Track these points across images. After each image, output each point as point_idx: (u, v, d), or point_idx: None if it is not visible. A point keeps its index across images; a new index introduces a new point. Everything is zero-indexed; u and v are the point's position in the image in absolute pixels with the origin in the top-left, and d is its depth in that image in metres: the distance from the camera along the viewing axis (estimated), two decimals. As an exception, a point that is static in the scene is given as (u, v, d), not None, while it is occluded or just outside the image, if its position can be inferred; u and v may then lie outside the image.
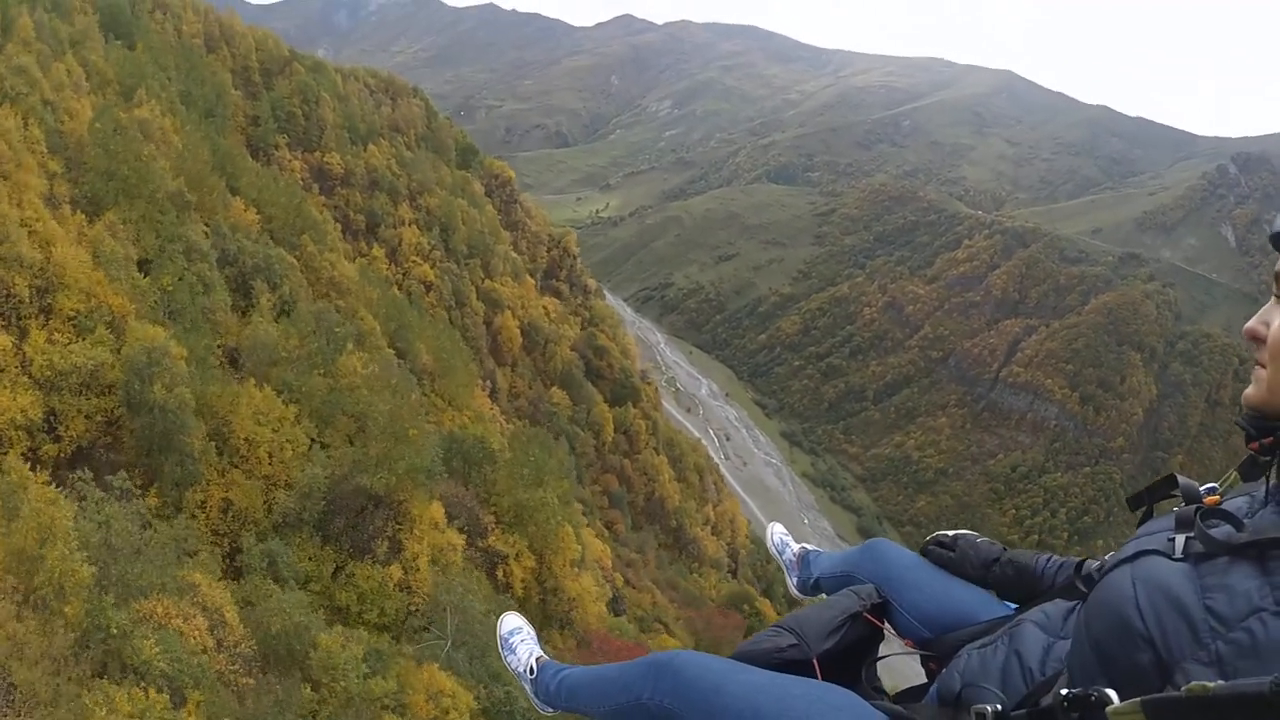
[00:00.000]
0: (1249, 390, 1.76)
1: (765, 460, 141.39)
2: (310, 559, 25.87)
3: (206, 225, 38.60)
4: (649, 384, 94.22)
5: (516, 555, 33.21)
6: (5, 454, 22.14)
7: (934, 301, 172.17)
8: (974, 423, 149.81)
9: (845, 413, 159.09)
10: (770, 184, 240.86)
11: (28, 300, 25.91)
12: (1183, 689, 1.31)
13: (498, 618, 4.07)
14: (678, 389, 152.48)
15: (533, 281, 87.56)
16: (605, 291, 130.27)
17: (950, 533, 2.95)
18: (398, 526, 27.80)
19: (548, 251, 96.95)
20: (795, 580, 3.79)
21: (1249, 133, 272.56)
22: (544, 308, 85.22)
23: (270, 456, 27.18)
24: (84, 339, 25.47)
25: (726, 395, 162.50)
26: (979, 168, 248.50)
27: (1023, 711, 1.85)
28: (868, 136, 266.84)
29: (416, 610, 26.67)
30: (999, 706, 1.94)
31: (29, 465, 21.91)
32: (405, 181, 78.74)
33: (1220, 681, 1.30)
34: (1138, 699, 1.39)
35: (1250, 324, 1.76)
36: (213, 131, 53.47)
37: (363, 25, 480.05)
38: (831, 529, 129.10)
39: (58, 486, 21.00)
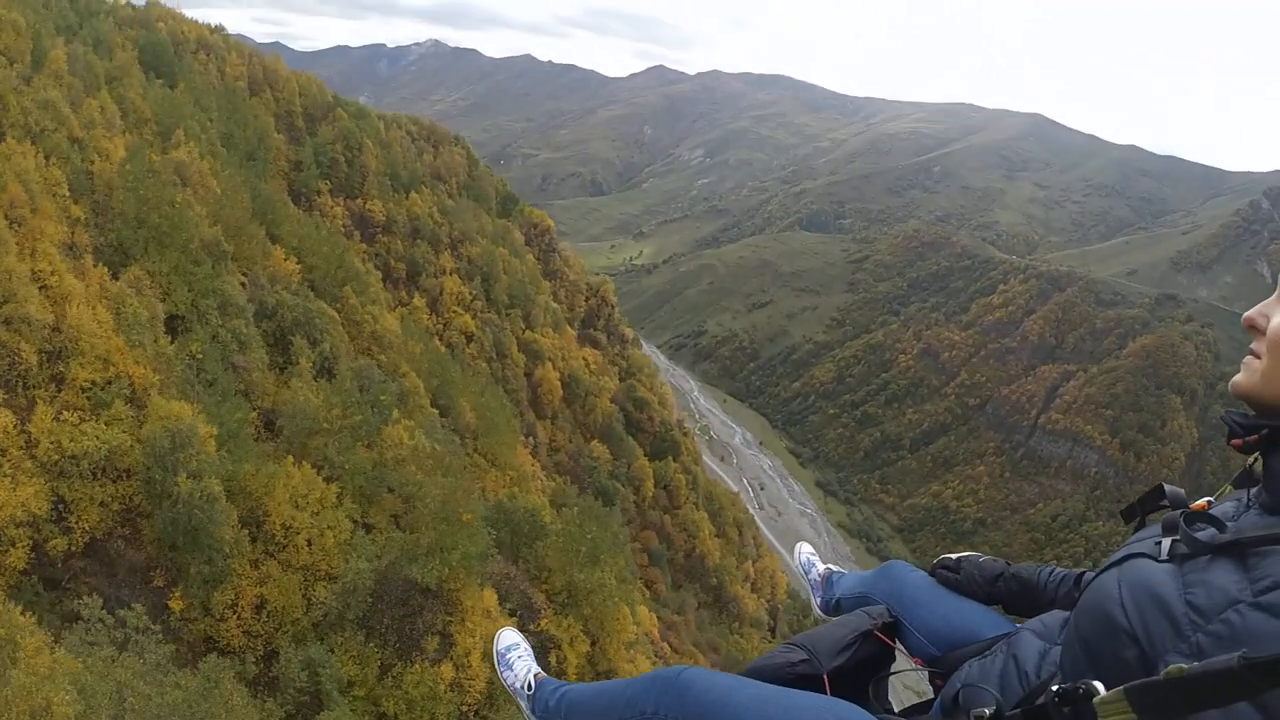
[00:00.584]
0: (1239, 377, 1.80)
1: (800, 510, 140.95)
2: (354, 659, 23.77)
3: (244, 276, 38.10)
4: (687, 435, 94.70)
5: (571, 641, 30.69)
6: (5, 553, 19.53)
7: (970, 348, 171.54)
8: (1013, 471, 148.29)
9: (881, 461, 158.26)
10: (803, 231, 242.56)
11: (36, 368, 22.56)
12: (1161, 673, 1.35)
13: (494, 634, 4.05)
14: (711, 437, 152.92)
15: (572, 332, 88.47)
16: (640, 340, 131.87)
17: (955, 555, 3.10)
18: (448, 619, 25.94)
19: (586, 300, 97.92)
20: (819, 600, 3.88)
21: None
22: (584, 359, 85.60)
23: (309, 544, 25.02)
24: (99, 416, 22.59)
25: (760, 444, 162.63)
26: (1010, 211, 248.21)
27: (1018, 711, 1.89)
28: (899, 183, 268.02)
29: (470, 712, 24.90)
30: (995, 707, 2.00)
31: (30, 575, 19.78)
32: (447, 230, 79.49)
33: (1195, 663, 1.34)
34: (1121, 687, 1.43)
35: (1250, 313, 1.82)
36: (253, 176, 53.09)
37: (402, 74, 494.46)
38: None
39: (61, 624, 18.83)
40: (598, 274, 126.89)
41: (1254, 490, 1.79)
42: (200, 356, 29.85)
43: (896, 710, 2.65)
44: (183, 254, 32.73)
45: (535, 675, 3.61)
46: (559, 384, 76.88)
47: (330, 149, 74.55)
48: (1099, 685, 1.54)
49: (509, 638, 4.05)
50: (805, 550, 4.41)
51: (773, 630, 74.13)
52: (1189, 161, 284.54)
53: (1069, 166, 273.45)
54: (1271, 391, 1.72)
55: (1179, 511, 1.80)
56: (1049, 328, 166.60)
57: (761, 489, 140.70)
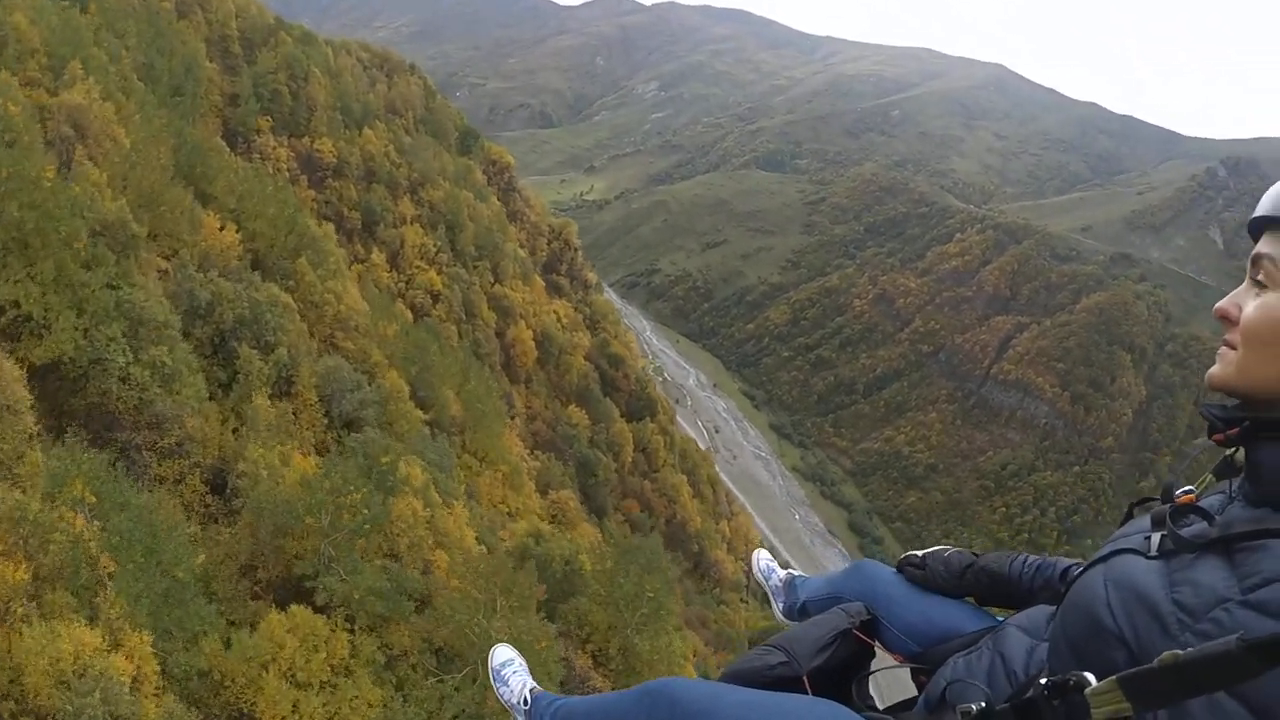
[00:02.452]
0: (1214, 369, 1.77)
1: (755, 453, 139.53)
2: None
3: (166, 263, 30.97)
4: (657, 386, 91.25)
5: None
6: None
7: (925, 295, 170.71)
8: (964, 419, 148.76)
9: (835, 405, 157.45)
10: (758, 170, 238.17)
11: None
12: (1155, 660, 1.36)
13: (489, 650, 3.97)
14: (665, 379, 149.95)
15: (541, 282, 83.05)
16: (602, 284, 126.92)
17: (920, 552, 2.94)
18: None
19: (548, 244, 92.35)
20: (782, 605, 3.71)
21: (1234, 135, 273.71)
22: (555, 313, 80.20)
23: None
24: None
25: (714, 386, 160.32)
26: (968, 160, 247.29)
27: (1007, 706, 1.86)
28: (857, 125, 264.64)
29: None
30: (984, 703, 1.93)
31: None
32: (405, 172, 71.91)
33: (1190, 648, 1.35)
34: (1114, 677, 1.43)
35: (1222, 304, 1.78)
36: (179, 117, 44.17)
37: (342, 0, 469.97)
38: (822, 524, 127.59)
39: None
40: (561, 217, 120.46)
41: (1237, 482, 1.78)
42: (78, 470, 18.82)
43: (880, 708, 2.63)
44: (65, 255, 23.12)
45: (531, 690, 3.60)
46: (533, 344, 71.86)
47: (272, 79, 65.40)
48: (1090, 676, 1.53)
49: (503, 654, 3.95)
50: (763, 558, 4.23)
51: (752, 591, 72.17)
52: (1147, 123, 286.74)
53: (1028, 119, 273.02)
54: (1247, 383, 1.70)
55: (1167, 505, 1.81)
56: (1004, 279, 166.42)
57: (717, 432, 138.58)
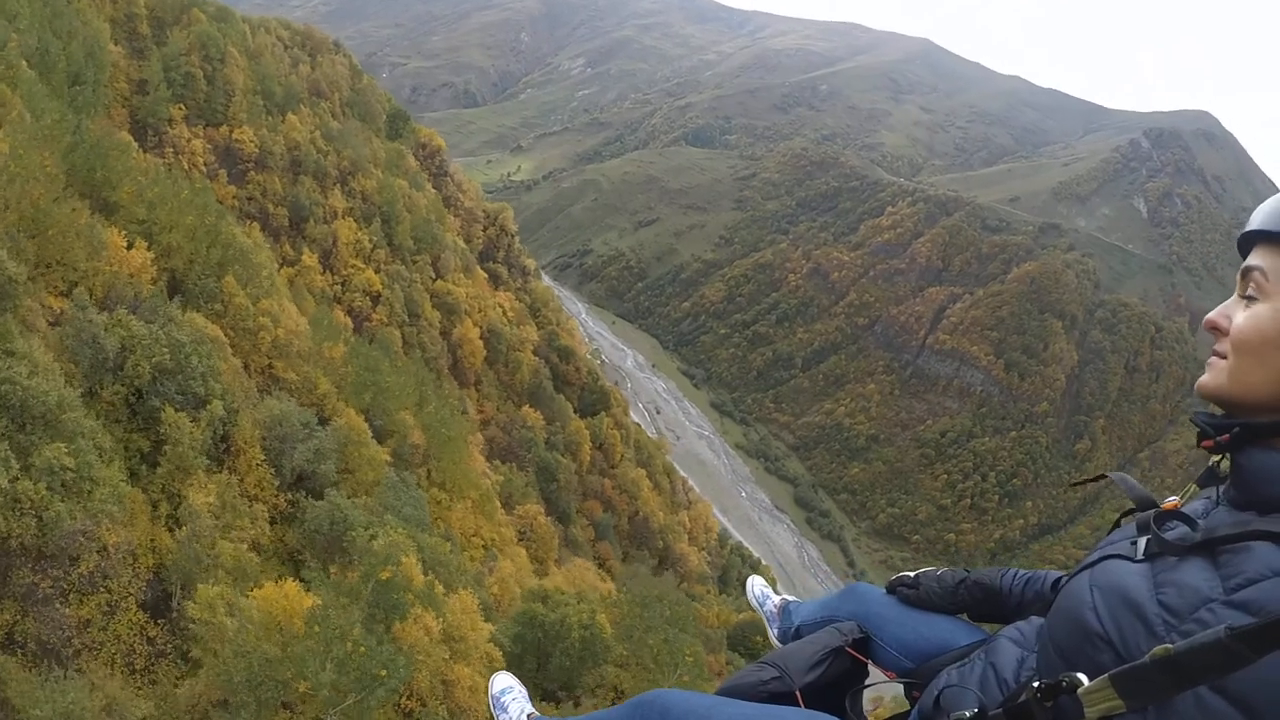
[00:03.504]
0: (1205, 378, 1.80)
1: (698, 433, 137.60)
2: None
3: (60, 302, 25.64)
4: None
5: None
6: None
7: (859, 268, 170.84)
8: (902, 389, 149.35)
9: (774, 381, 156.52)
10: (688, 146, 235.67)
11: None
12: (1147, 655, 1.38)
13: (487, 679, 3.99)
14: (603, 361, 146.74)
15: (484, 274, 78.11)
16: (540, 270, 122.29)
17: (912, 572, 2.95)
18: None
19: (484, 230, 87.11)
20: (776, 631, 3.69)
21: (1157, 107, 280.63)
22: (500, 306, 75.60)
23: None
24: None
25: (653, 366, 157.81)
26: (896, 134, 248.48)
27: (1000, 710, 1.89)
28: (785, 100, 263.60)
29: None
30: (977, 709, 1.98)
31: None
32: (334, 160, 66.30)
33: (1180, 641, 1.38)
34: (1107, 674, 1.46)
35: (1212, 315, 1.81)
36: (76, 110, 38.67)
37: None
38: (769, 500, 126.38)
39: None
40: (499, 203, 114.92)
41: (1222, 488, 1.81)
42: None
43: None
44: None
45: (529, 715, 3.65)
46: (481, 343, 67.20)
47: (185, 61, 59.10)
48: (1082, 676, 1.56)
49: (502, 681, 3.89)
50: (758, 584, 4.12)
51: (721, 581, 69.59)
52: (1071, 96, 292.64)
53: (955, 92, 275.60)
54: (1238, 391, 1.73)
55: (1151, 511, 1.85)
56: (936, 250, 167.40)
57: (658, 413, 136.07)
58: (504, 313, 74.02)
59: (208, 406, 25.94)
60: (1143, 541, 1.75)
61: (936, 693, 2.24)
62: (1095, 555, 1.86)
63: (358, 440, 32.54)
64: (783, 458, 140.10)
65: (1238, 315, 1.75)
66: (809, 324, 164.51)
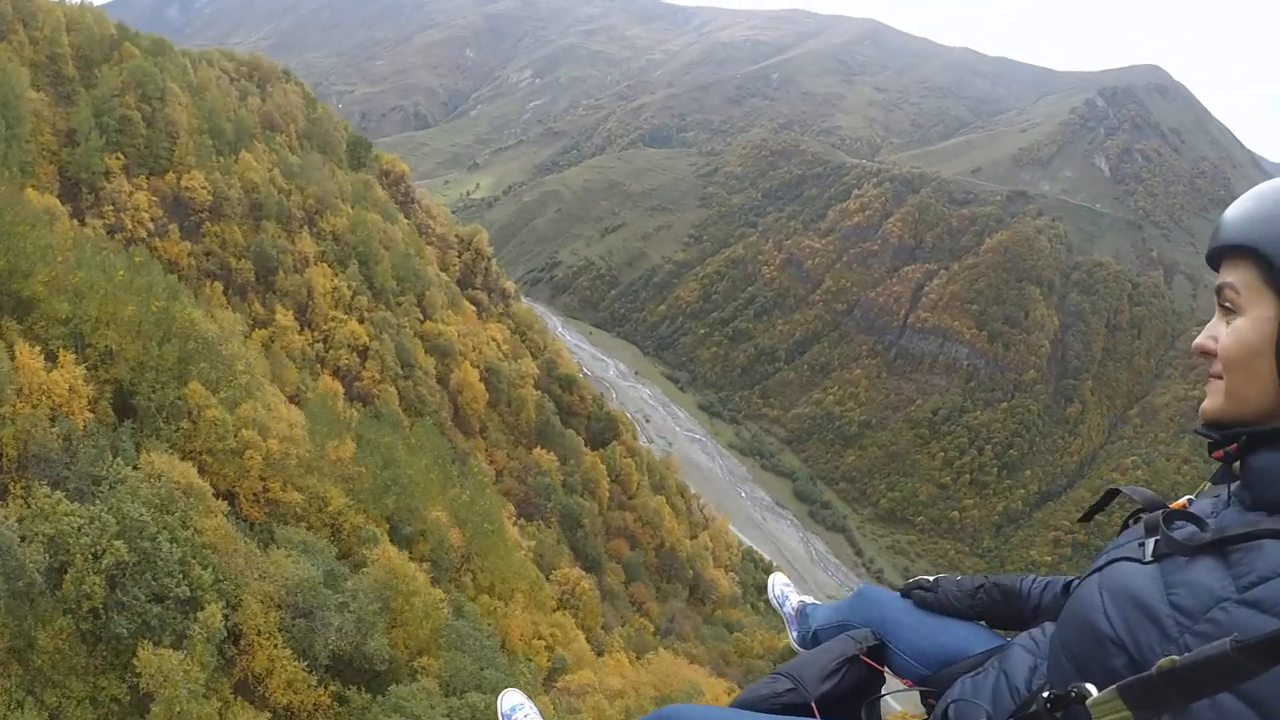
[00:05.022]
0: (1206, 403, 1.83)
1: (690, 437, 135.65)
2: None
3: None
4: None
5: None
6: None
7: (832, 254, 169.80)
8: (889, 371, 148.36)
9: (759, 376, 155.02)
10: (646, 148, 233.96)
11: None
12: (1153, 667, 1.37)
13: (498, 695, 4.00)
14: (585, 374, 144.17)
15: (471, 308, 73.72)
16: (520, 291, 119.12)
17: (930, 577, 2.93)
18: None
19: (459, 256, 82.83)
20: (795, 634, 3.74)
21: (1107, 65, 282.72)
22: (493, 340, 70.95)
23: None
24: None
25: (636, 374, 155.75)
26: (851, 116, 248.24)
27: None
28: (738, 92, 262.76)
29: None
30: (990, 712, 2.02)
31: None
32: (298, 200, 60.76)
33: (1188, 653, 1.37)
34: (1114, 685, 1.44)
35: (1199, 340, 1.84)
36: None
37: (196, 19, 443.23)
38: (769, 497, 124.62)
39: None
40: (471, 225, 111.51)
41: (1234, 487, 1.82)
42: None
43: None
44: None
45: None
46: (481, 385, 62.19)
47: (119, 104, 52.47)
48: (1091, 687, 1.55)
49: (513, 698, 3.99)
50: (779, 582, 4.20)
51: (751, 604, 67.09)
52: (1020, 62, 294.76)
53: (905, 69, 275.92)
54: (1238, 406, 1.75)
55: (1159, 512, 1.84)
56: (907, 229, 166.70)
57: (647, 421, 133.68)
58: (498, 346, 70.22)
59: (200, 613, 19.50)
60: (1150, 543, 1.75)
61: (945, 706, 2.25)
62: (1104, 559, 1.87)
63: (405, 588, 25.97)
64: (777, 453, 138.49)
65: (1221, 334, 1.77)
66: (788, 315, 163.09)
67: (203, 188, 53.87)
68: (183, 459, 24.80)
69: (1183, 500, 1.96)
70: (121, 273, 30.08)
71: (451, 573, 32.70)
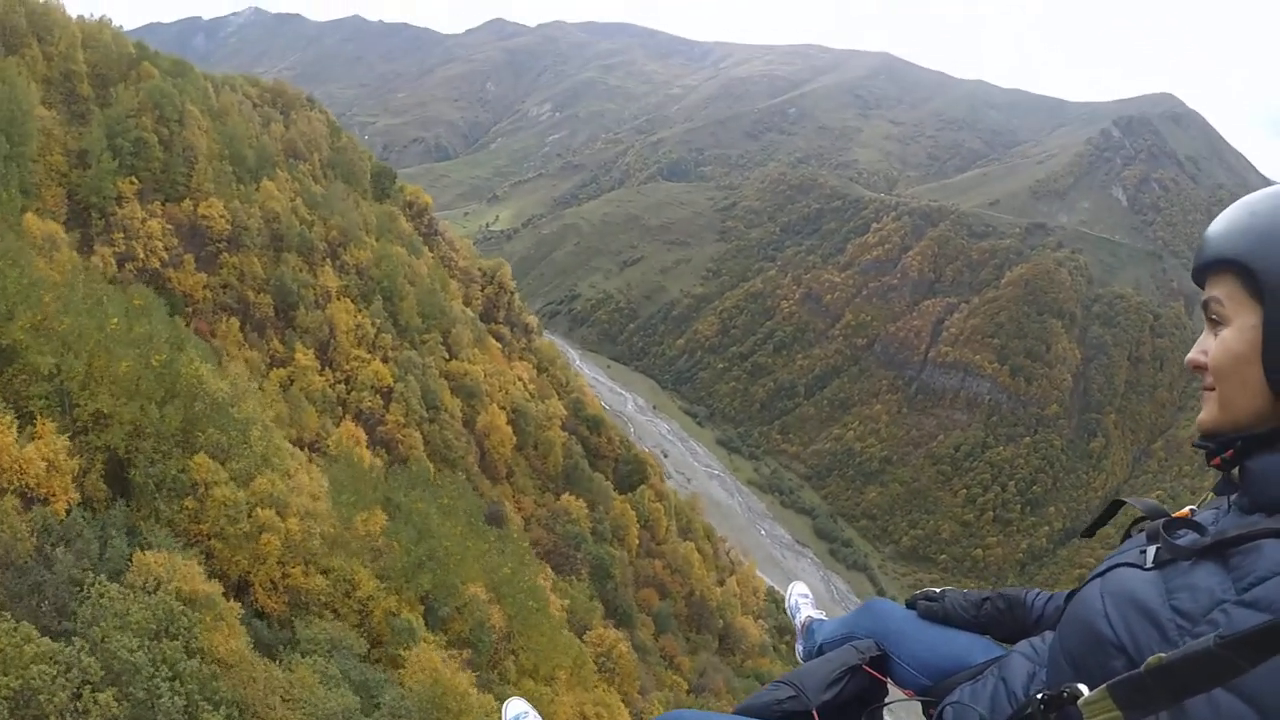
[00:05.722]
0: (1202, 415, 1.89)
1: (708, 473, 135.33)
2: None
3: None
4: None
5: None
6: None
7: (851, 288, 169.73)
8: (909, 406, 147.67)
9: (778, 411, 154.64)
10: (665, 182, 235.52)
11: None
12: (1142, 666, 1.38)
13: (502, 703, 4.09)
14: (604, 408, 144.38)
15: (497, 345, 72.50)
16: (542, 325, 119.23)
17: (937, 589, 2.97)
18: None
19: (482, 290, 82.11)
20: (801, 649, 3.80)
21: (1120, 95, 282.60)
22: (519, 379, 69.27)
23: None
24: None
25: (654, 408, 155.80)
26: (868, 149, 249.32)
27: None
28: (755, 126, 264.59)
29: None
30: (983, 715, 2.07)
31: None
32: (321, 231, 58.68)
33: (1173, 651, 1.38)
34: (1104, 684, 1.45)
35: (1190, 355, 1.91)
36: None
37: (221, 48, 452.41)
38: (789, 535, 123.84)
39: None
40: (494, 258, 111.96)
41: (1234, 496, 1.86)
42: None
43: None
44: None
45: None
46: (509, 428, 59.82)
47: (134, 124, 49.48)
48: (1082, 687, 1.58)
49: (517, 706, 3.99)
50: (798, 591, 4.27)
51: (777, 649, 66.38)
52: (1033, 94, 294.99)
53: (920, 102, 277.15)
54: (1231, 415, 1.80)
55: (1160, 520, 1.88)
56: (927, 263, 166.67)
57: (665, 456, 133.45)
58: (524, 386, 68.69)
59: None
60: (1152, 550, 1.77)
61: (942, 708, 2.28)
62: (1105, 564, 1.89)
63: (454, 706, 22.66)
64: (797, 489, 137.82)
65: (1210, 346, 1.83)
66: (807, 350, 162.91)
67: (221, 216, 51.46)
68: (187, 545, 22.00)
69: (1185, 509, 1.99)
70: (115, 321, 25.54)
71: (491, 655, 30.54)
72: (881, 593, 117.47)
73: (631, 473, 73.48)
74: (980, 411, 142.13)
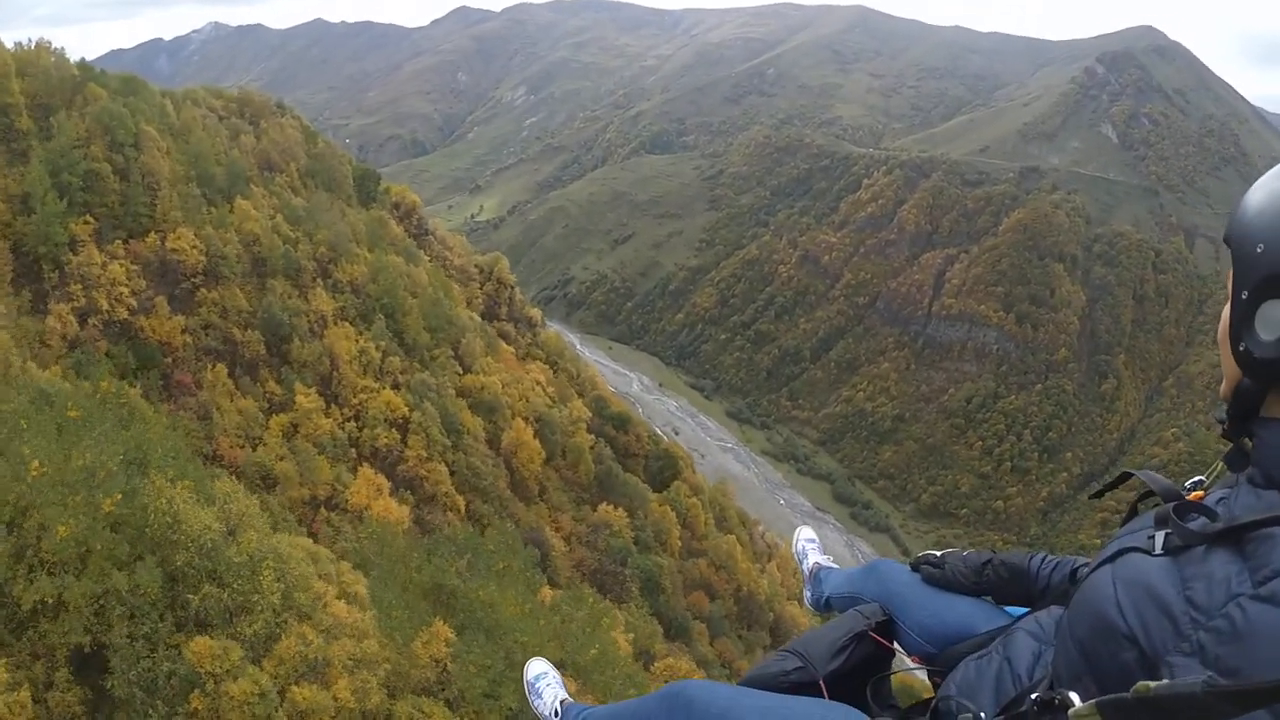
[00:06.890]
0: (1224, 386, 1.88)
1: (721, 447, 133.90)
2: None
3: None
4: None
5: None
6: None
7: (848, 247, 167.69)
8: (918, 361, 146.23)
9: (786, 377, 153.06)
10: (648, 155, 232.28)
11: None
12: (1130, 690, 1.36)
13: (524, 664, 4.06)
14: (611, 391, 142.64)
15: (509, 349, 68.51)
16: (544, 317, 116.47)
17: (938, 551, 2.98)
18: None
19: (480, 287, 78.72)
20: (809, 595, 3.80)
21: (1102, 31, 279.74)
22: (537, 383, 65.08)
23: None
24: None
25: (660, 386, 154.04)
26: (851, 104, 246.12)
27: (1001, 718, 1.95)
28: (735, 91, 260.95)
29: None
30: (981, 715, 2.07)
31: None
32: (308, 249, 53.83)
33: (1162, 681, 1.35)
34: (1093, 701, 1.44)
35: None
36: None
37: (185, 67, 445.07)
38: (808, 503, 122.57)
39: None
40: (492, 253, 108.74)
41: (1247, 471, 1.81)
42: None
43: (902, 707, 2.72)
44: None
45: (562, 701, 3.75)
46: (536, 442, 55.56)
47: (82, 154, 44.41)
48: (1074, 697, 1.60)
49: (538, 667, 4.04)
50: (804, 536, 4.25)
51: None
52: (1014, 35, 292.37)
53: (899, 53, 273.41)
54: (1229, 387, 1.84)
55: (1170, 504, 1.84)
56: (922, 215, 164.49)
57: (676, 434, 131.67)
58: (544, 390, 64.83)
59: None
60: (1160, 535, 1.72)
61: (952, 690, 2.28)
62: (1114, 548, 1.83)
63: None
64: (811, 455, 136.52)
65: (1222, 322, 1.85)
66: (809, 313, 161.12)
67: (193, 247, 45.87)
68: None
69: (1197, 492, 1.94)
70: (37, 466, 17.02)
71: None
72: (907, 553, 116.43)
73: (664, 468, 70.53)
74: (989, 362, 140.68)
